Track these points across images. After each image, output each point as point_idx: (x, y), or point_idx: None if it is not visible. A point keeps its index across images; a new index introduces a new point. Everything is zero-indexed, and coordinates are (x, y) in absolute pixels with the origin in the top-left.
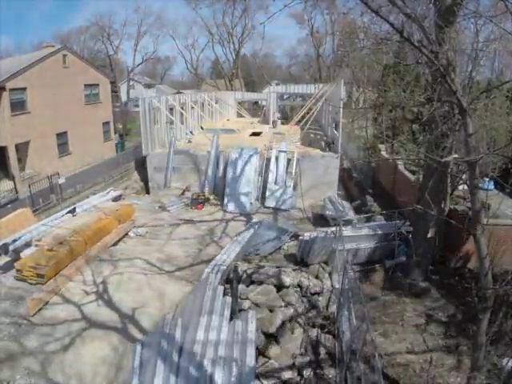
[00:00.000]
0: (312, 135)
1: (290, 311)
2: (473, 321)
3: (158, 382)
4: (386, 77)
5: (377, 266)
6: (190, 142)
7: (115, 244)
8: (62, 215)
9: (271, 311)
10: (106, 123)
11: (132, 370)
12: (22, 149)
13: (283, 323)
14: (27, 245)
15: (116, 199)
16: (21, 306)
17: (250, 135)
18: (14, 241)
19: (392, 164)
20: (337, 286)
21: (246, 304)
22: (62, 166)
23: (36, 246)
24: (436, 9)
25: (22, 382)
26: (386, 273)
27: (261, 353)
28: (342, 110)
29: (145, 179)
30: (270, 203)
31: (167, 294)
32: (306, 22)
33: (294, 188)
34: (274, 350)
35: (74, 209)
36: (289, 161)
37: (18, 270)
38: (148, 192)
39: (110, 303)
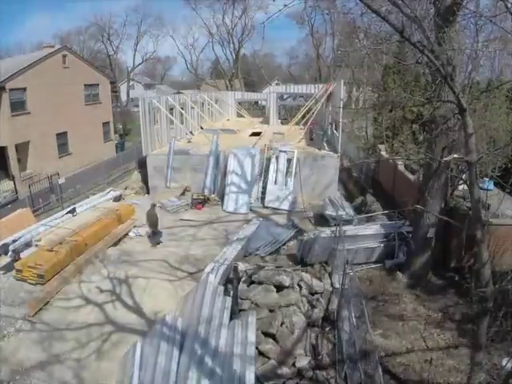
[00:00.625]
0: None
1: (290, 311)
2: (473, 321)
3: (158, 380)
4: (386, 77)
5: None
6: (189, 141)
7: (116, 244)
8: (62, 215)
9: (271, 311)
10: (105, 123)
11: (132, 369)
12: (21, 149)
13: (283, 323)
14: (27, 245)
15: (116, 199)
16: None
17: (250, 135)
18: (14, 241)
19: (392, 164)
20: (337, 285)
21: (246, 304)
22: (62, 166)
23: (36, 246)
24: (436, 9)
25: (21, 382)
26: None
27: (261, 353)
28: (341, 109)
29: (145, 179)
30: (270, 203)
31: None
32: (306, 22)
33: (294, 188)
34: (274, 350)
35: (74, 209)
36: (289, 161)
37: (17, 270)
38: (148, 192)
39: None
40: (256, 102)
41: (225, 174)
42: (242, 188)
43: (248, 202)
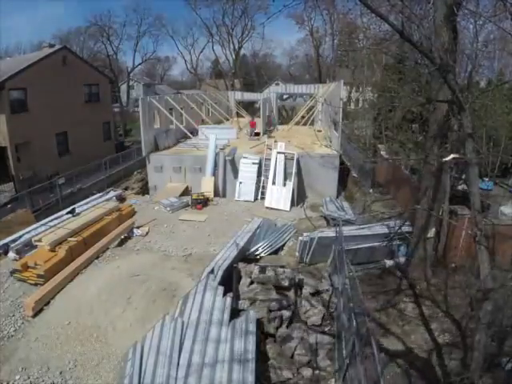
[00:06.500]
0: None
1: (290, 311)
2: (473, 321)
3: (158, 381)
4: (386, 77)
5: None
6: (189, 141)
7: (116, 244)
8: (62, 215)
9: (271, 311)
10: (105, 123)
11: (131, 370)
12: (21, 149)
13: (283, 323)
14: (27, 245)
15: (116, 199)
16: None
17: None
18: (14, 241)
19: (392, 164)
20: (337, 285)
21: (246, 304)
22: (61, 165)
23: (36, 246)
24: (436, 9)
25: (21, 382)
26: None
27: (261, 353)
28: (341, 109)
29: (144, 179)
30: (270, 203)
31: None
32: (306, 23)
33: (294, 188)
34: (273, 350)
35: (74, 209)
36: (288, 161)
37: (17, 270)
38: (148, 192)
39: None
40: (252, 104)
41: (224, 174)
42: (241, 188)
43: (247, 202)
